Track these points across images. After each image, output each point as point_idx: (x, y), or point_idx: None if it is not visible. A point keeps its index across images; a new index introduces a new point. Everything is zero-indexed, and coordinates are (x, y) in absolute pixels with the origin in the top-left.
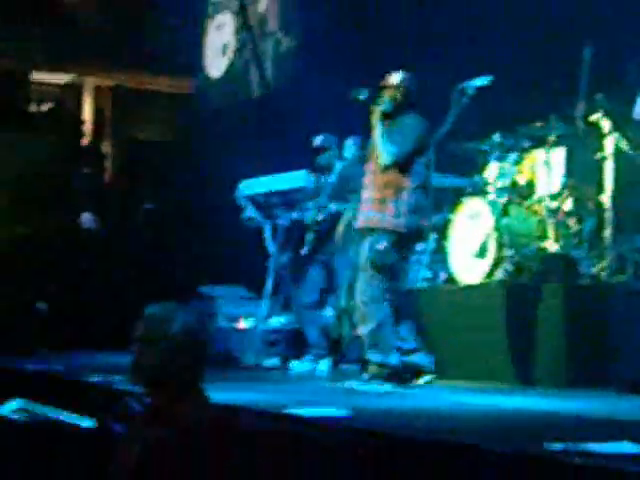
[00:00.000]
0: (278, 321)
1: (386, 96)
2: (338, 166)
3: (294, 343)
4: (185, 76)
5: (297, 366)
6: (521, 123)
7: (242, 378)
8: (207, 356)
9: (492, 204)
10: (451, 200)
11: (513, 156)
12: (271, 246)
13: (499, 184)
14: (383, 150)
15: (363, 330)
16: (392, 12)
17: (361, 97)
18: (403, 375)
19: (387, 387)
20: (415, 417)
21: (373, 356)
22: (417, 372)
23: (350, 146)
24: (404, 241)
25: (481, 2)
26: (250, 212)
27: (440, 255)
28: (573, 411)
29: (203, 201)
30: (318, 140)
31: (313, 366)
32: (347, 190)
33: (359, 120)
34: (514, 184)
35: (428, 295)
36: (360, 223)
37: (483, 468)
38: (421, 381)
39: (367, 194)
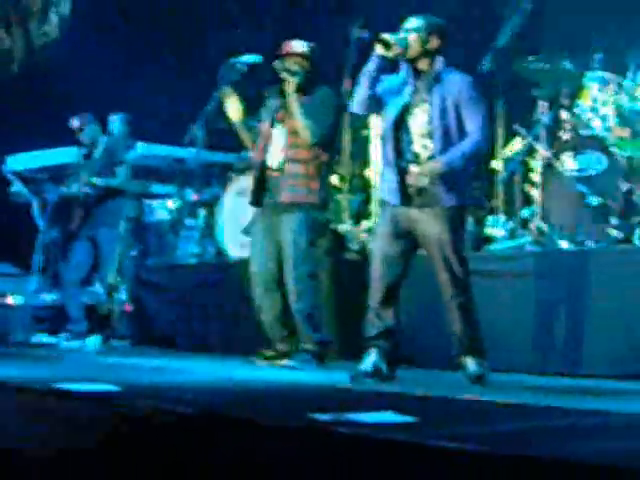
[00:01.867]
0: (47, 297)
1: (296, 66)
2: (103, 141)
3: (63, 320)
4: None
5: (65, 343)
6: None
7: (9, 354)
8: None
9: None
10: (220, 176)
11: None
12: (39, 221)
13: None
14: (308, 128)
15: (299, 306)
16: None
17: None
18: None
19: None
20: (183, 391)
21: (314, 334)
22: None
23: (115, 121)
24: (322, 215)
25: None
26: (17, 187)
27: (209, 230)
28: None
29: None
30: (74, 121)
31: (81, 342)
32: (113, 164)
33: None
34: None
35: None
36: (285, 197)
37: (247, 441)
38: None
39: (290, 168)
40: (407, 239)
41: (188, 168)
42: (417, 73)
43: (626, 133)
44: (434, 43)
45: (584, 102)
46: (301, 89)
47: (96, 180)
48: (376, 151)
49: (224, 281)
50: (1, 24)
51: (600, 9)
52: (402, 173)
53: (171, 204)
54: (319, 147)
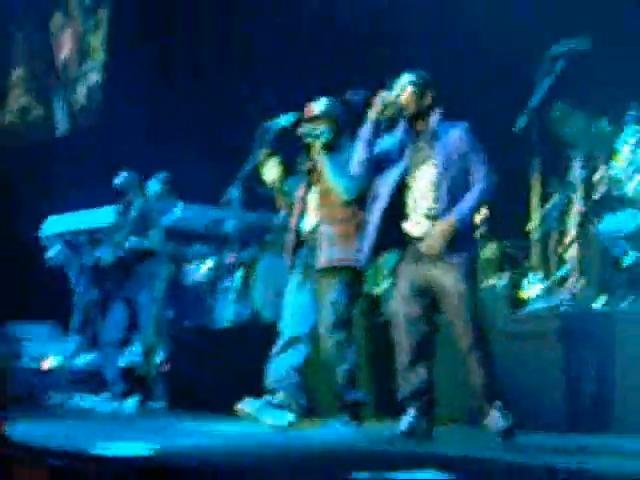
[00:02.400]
0: (85, 359)
1: (322, 126)
2: (138, 202)
3: (100, 382)
4: None
5: (102, 405)
6: None
7: (47, 417)
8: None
9: None
10: (258, 237)
11: None
12: (77, 283)
13: None
14: (340, 186)
15: (340, 370)
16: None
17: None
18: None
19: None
20: (219, 455)
21: (352, 394)
22: None
23: (153, 183)
24: (361, 276)
25: None
26: (54, 251)
27: (245, 292)
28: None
29: (8, 237)
30: (119, 179)
31: (118, 403)
32: (147, 226)
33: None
34: None
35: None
36: (321, 262)
37: None
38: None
39: (324, 230)
40: (426, 296)
41: (226, 229)
42: (415, 132)
43: None
44: (429, 99)
45: (617, 163)
46: (330, 147)
47: (128, 242)
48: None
49: (258, 343)
50: (32, 92)
51: (636, 66)
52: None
53: (208, 265)
54: (355, 205)
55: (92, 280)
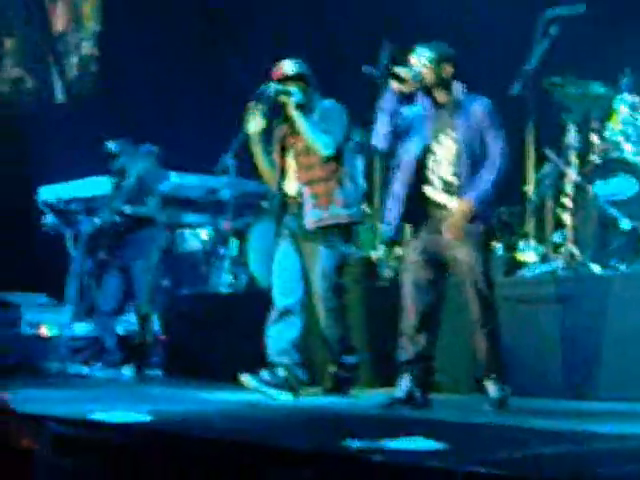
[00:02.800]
0: (83, 327)
1: (292, 87)
2: (134, 170)
3: (98, 350)
4: None
5: (100, 373)
6: None
7: (45, 385)
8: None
9: None
10: (252, 205)
11: None
12: (73, 252)
13: None
14: (318, 143)
15: (331, 332)
16: None
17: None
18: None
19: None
20: (217, 420)
21: (345, 358)
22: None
23: (145, 151)
24: (353, 231)
25: None
26: (50, 218)
27: (241, 259)
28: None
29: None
30: (112, 145)
31: (115, 371)
32: (144, 193)
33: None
34: None
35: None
36: (309, 224)
37: (279, 467)
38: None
39: (308, 191)
40: (437, 266)
41: (220, 197)
42: (436, 102)
43: None
44: (448, 71)
45: (614, 126)
46: (303, 108)
47: (125, 208)
48: None
49: (255, 309)
50: (26, 62)
51: (631, 31)
52: (427, 200)
53: (204, 234)
54: (334, 160)
55: (87, 249)
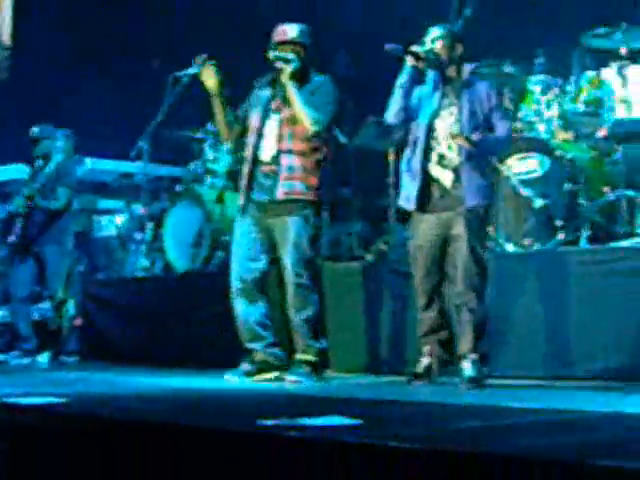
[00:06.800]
0: None
1: (290, 53)
2: (57, 157)
3: (13, 337)
4: None
5: (15, 360)
6: None
7: None
8: None
9: (206, 192)
10: (167, 189)
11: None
12: None
13: (214, 171)
14: (308, 117)
15: (303, 316)
16: None
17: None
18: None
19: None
20: (130, 401)
21: (316, 344)
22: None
23: (64, 135)
24: (320, 215)
25: None
26: None
27: (157, 244)
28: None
29: None
30: (35, 131)
31: (31, 359)
32: (60, 182)
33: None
34: (230, 172)
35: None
36: (280, 194)
37: (193, 449)
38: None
39: (286, 161)
40: (440, 244)
41: (135, 182)
42: (445, 80)
43: (569, 136)
44: (459, 50)
45: (528, 106)
46: (297, 78)
47: (37, 200)
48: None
49: (172, 294)
50: None
51: (541, 14)
52: (428, 177)
53: (119, 219)
54: (320, 138)
55: (1, 236)
